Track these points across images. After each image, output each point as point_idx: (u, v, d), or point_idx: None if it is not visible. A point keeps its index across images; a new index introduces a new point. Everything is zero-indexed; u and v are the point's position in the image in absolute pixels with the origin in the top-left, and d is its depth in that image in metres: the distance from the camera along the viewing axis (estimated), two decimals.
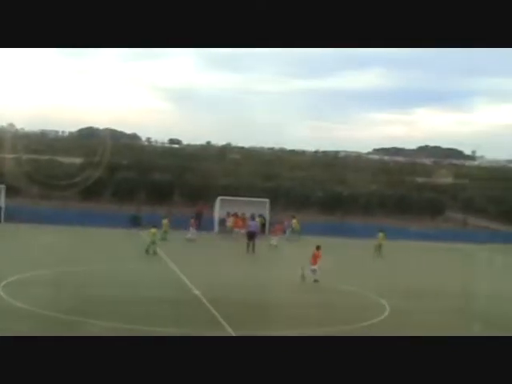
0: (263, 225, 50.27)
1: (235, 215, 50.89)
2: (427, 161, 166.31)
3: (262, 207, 52.31)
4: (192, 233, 44.75)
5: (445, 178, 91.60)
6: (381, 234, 43.99)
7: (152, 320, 22.38)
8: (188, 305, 25.51)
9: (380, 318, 24.83)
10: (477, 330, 23.43)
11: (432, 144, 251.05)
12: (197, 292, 27.29)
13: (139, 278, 30.22)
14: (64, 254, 34.78)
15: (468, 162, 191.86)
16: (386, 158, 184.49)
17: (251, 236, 41.33)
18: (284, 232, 47.58)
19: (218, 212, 51.77)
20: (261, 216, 50.20)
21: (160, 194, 59.52)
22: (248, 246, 40.91)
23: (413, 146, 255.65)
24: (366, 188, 69.43)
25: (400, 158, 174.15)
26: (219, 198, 52.51)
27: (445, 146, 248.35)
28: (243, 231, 45.85)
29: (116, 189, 58.93)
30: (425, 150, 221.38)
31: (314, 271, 31.49)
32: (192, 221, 45.98)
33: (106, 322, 21.60)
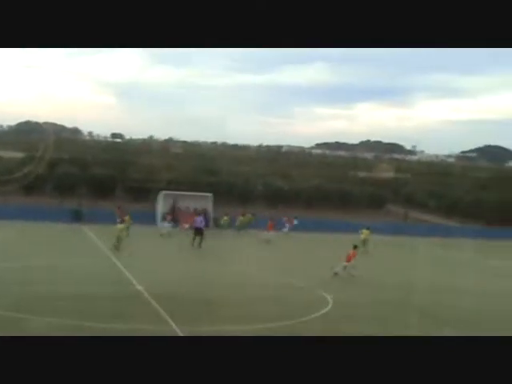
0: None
1: (179, 210, 50.84)
2: (369, 155, 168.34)
3: (205, 202, 52.25)
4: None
5: (386, 173, 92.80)
6: (365, 231, 45.06)
7: (94, 316, 22.13)
8: (131, 300, 25.29)
9: (322, 312, 25.02)
10: (414, 322, 23.94)
11: (373, 139, 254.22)
12: (140, 287, 27.09)
13: (81, 274, 29.85)
14: (4, 249, 34.19)
15: (409, 157, 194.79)
16: (329, 152, 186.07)
17: (197, 231, 41.18)
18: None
19: (161, 206, 51.51)
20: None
21: (102, 188, 58.99)
22: (194, 240, 40.75)
23: (355, 141, 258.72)
24: (308, 182, 69.85)
25: (342, 153, 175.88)
26: (162, 192, 52.26)
27: (386, 140, 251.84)
28: (187, 226, 45.74)
29: (57, 183, 58.21)
30: (366, 145, 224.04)
31: (345, 268, 33.16)
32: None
33: (47, 318, 21.28)
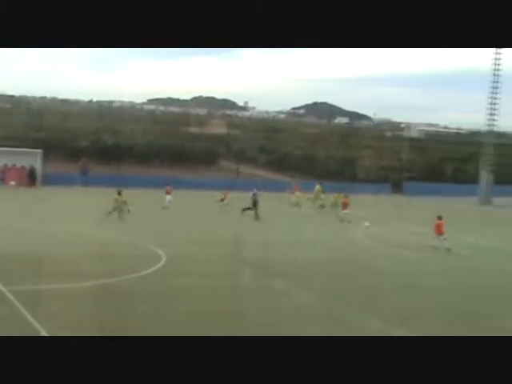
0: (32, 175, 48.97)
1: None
2: (201, 111, 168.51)
3: (33, 158, 50.62)
4: None
5: (218, 129, 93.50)
6: (318, 187, 45.71)
7: None
8: None
9: (154, 268, 25.05)
10: (248, 274, 24.56)
11: (206, 95, 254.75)
12: None
13: None
14: None
15: (241, 113, 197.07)
16: (162, 108, 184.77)
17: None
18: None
19: None
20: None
21: None
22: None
23: (187, 97, 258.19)
24: (141, 139, 69.19)
25: (175, 109, 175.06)
26: None
27: (219, 96, 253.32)
28: (14, 183, 44.18)
29: None
30: (199, 101, 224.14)
31: (444, 240, 32.65)
32: None
33: None
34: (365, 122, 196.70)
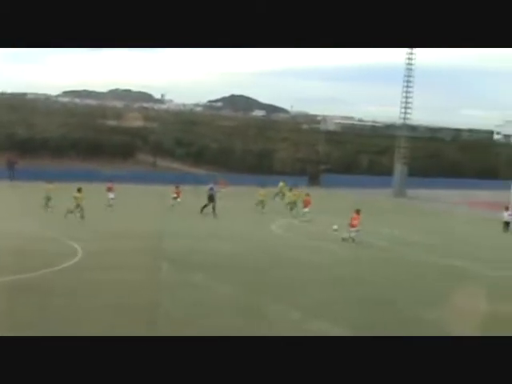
0: None
1: None
2: (118, 104, 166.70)
3: None
4: None
5: (135, 121, 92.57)
6: (281, 184, 45.85)
7: None
8: None
9: (71, 262, 24.68)
10: (163, 267, 24.51)
11: (123, 87, 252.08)
12: None
13: None
14: None
15: (158, 106, 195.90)
16: (77, 100, 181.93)
17: None
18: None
19: None
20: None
21: None
22: None
23: (104, 89, 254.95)
24: (55, 131, 67.87)
25: (91, 101, 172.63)
26: None
27: (136, 89, 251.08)
28: None
29: None
30: (115, 93, 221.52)
31: (357, 231, 33.25)
32: None
33: None
34: (282, 115, 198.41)
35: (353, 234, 33.19)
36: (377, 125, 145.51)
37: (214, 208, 39.90)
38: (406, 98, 62.44)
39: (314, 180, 63.83)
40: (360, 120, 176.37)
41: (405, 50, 61.39)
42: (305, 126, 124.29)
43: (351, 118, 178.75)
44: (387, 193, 58.69)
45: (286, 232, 36.06)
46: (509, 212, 41.73)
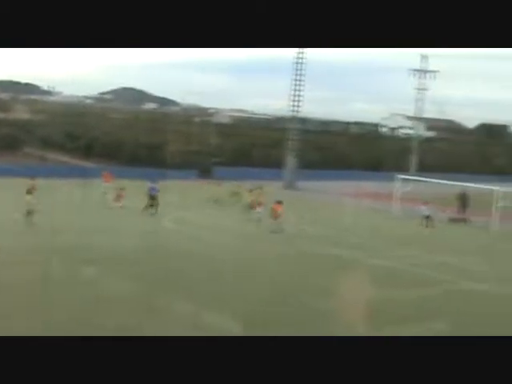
0: None
1: None
2: (4, 96, 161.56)
3: None
4: None
5: (22, 114, 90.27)
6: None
7: None
8: None
9: None
10: (56, 263, 24.04)
11: (10, 79, 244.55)
12: None
13: None
14: None
15: (46, 98, 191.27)
16: None
17: None
18: None
19: None
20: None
21: None
22: None
23: None
24: None
25: None
26: None
27: (23, 80, 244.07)
28: None
29: None
30: (2, 85, 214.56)
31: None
32: None
33: None
34: (173, 108, 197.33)
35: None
36: (269, 118, 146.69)
37: (156, 208, 39.16)
38: (295, 91, 63.29)
39: (206, 173, 63.90)
40: (252, 113, 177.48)
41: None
42: (197, 119, 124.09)
43: (243, 111, 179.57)
44: (278, 185, 59.39)
45: (178, 225, 35.95)
46: (426, 207, 42.25)
